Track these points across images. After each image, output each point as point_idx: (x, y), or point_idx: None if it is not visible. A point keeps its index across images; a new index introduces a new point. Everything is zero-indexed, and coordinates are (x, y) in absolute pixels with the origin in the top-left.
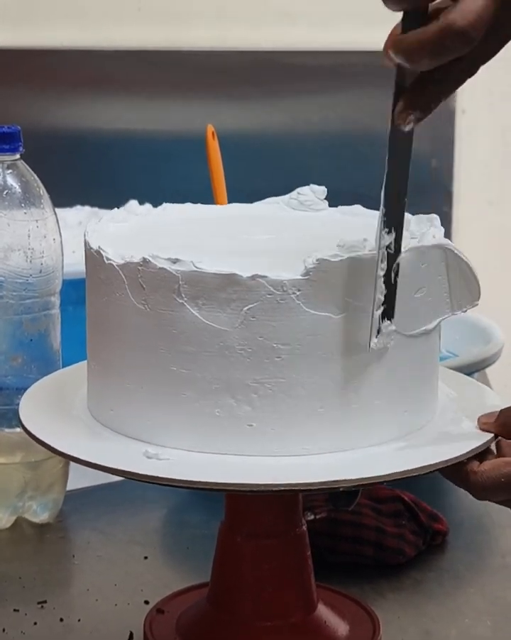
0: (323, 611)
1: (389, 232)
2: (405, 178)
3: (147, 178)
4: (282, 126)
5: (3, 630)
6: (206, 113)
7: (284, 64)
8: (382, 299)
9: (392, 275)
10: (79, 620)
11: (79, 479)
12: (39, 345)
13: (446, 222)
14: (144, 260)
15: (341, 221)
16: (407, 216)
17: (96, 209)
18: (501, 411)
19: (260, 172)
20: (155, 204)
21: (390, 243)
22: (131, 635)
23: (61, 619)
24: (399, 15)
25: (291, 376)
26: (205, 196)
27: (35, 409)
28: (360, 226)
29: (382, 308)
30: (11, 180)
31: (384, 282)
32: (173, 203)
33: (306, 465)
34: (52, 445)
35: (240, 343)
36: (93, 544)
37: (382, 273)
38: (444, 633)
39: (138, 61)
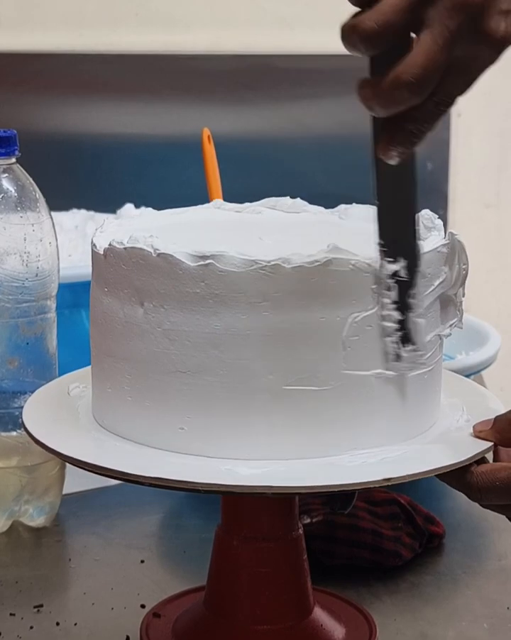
0: (319, 614)
1: (393, 261)
2: (406, 206)
3: (143, 181)
4: (277, 130)
5: (0, 634)
6: (202, 116)
7: (280, 68)
8: (395, 326)
9: (407, 301)
10: (75, 624)
11: (75, 482)
12: (35, 349)
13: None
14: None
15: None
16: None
17: (92, 213)
18: (495, 418)
19: (255, 175)
20: (152, 208)
21: (398, 270)
22: (128, 639)
23: (57, 623)
24: None
25: (287, 380)
26: (201, 199)
27: (39, 413)
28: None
29: (397, 334)
30: (7, 184)
31: (397, 309)
32: (169, 206)
33: (302, 469)
34: (56, 448)
35: (234, 347)
36: (89, 548)
37: (388, 301)
38: (441, 636)
39: (134, 65)
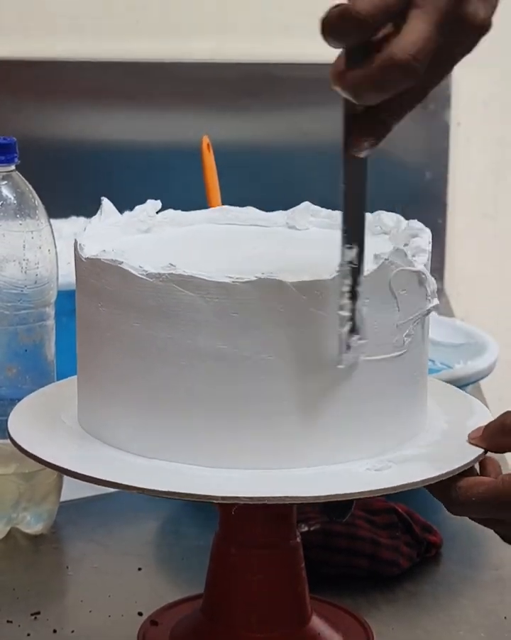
0: (317, 623)
1: (350, 248)
2: (363, 197)
3: (142, 189)
4: (277, 138)
5: None
6: (202, 124)
7: (281, 77)
8: (349, 314)
9: (355, 289)
10: (72, 631)
11: (73, 490)
12: (33, 356)
13: (440, 234)
14: (122, 264)
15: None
16: (399, 218)
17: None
18: (486, 426)
19: (255, 184)
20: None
21: (352, 258)
22: None
23: (54, 631)
24: None
25: (282, 389)
26: (200, 207)
27: (25, 421)
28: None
29: (348, 324)
30: (6, 191)
31: (349, 298)
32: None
33: (299, 478)
34: (40, 455)
35: (223, 355)
36: (87, 555)
37: (346, 289)
38: None
39: (134, 72)
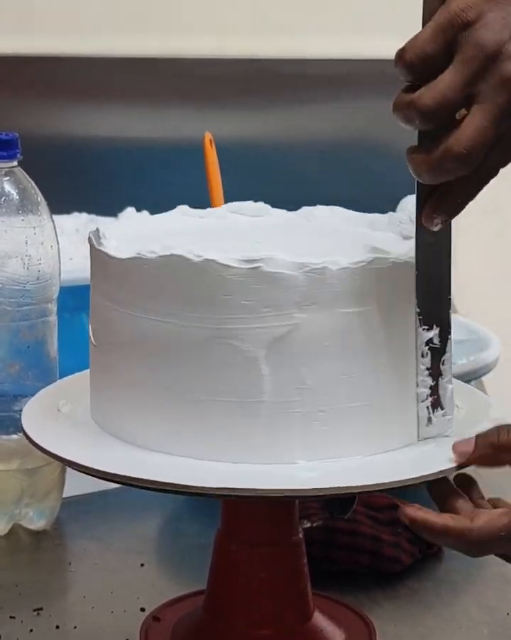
0: (319, 619)
1: (428, 329)
2: (443, 275)
3: (144, 185)
4: (279, 134)
5: (0, 637)
6: (204, 120)
7: (283, 73)
8: (428, 391)
9: (439, 367)
10: (75, 627)
11: (75, 486)
12: (36, 352)
13: None
14: (138, 254)
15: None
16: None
17: (93, 216)
18: (476, 438)
19: (257, 180)
20: (152, 211)
21: (432, 337)
22: None
23: (57, 626)
24: (397, 27)
25: (286, 384)
26: (202, 204)
27: (37, 415)
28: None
29: (429, 399)
30: (8, 187)
31: (429, 375)
32: (169, 210)
33: (300, 473)
34: (53, 451)
35: (233, 350)
36: (89, 551)
37: (423, 367)
38: None
39: (136, 69)
